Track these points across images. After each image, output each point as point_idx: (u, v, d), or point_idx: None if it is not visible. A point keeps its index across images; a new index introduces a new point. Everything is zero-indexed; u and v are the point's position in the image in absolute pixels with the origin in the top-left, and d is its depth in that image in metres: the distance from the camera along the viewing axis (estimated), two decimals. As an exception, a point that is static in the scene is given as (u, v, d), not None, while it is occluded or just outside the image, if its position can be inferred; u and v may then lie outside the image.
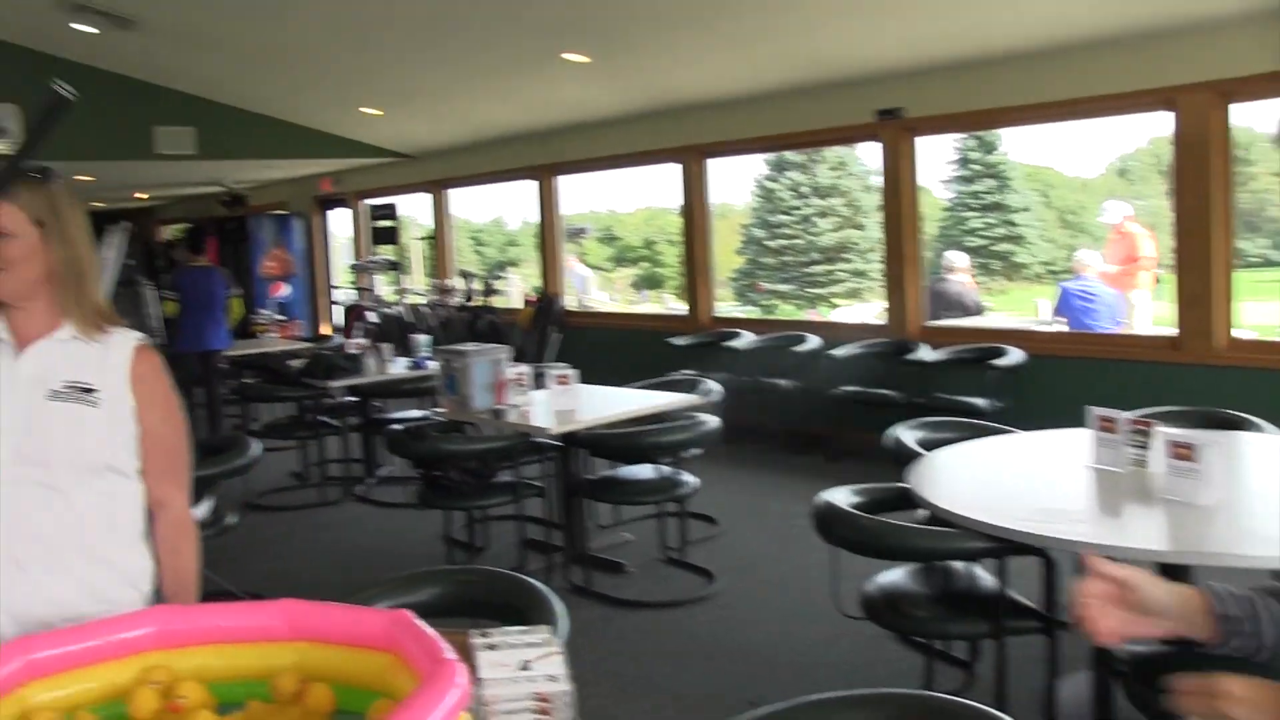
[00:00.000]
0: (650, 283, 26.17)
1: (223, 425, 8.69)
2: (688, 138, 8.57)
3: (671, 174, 8.95)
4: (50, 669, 1.65)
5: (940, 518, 2.99)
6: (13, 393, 2.00)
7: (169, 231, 17.76)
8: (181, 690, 1.66)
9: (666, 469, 5.11)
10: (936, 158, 24.32)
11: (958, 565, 3.29)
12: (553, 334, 9.18)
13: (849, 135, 8.13)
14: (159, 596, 2.13)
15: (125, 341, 2.11)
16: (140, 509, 2.16)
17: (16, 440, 1.98)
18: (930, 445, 3.80)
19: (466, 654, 1.66)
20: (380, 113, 9.70)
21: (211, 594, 4.56)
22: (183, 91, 9.61)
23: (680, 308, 9.92)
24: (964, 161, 23.52)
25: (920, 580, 3.27)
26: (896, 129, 7.20)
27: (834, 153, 23.16)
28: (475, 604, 2.47)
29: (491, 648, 1.78)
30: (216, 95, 9.71)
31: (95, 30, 7.76)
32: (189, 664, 1.72)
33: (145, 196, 16.73)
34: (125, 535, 2.12)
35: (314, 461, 7.21)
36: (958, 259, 8.37)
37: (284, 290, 13.75)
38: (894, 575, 3.30)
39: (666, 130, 8.70)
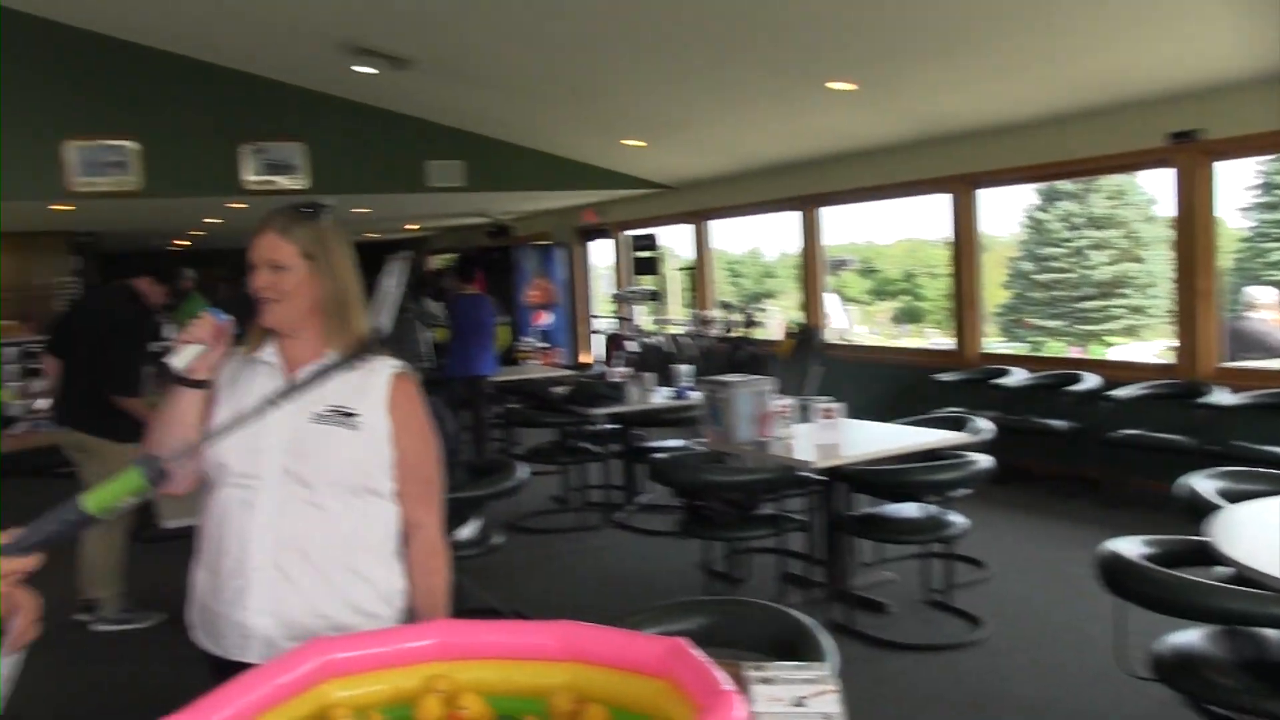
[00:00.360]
0: (910, 316, 25.55)
1: (488, 448, 9.00)
2: (957, 167, 8.31)
3: (937, 205, 8.70)
4: (344, 670, 1.72)
5: (1248, 578, 2.71)
6: (281, 414, 2.10)
7: (437, 261, 18.64)
8: (463, 701, 1.70)
9: (933, 508, 4.92)
10: (1230, 183, 22.38)
11: (1269, 633, 2.98)
12: (813, 366, 9.05)
13: (1134, 161, 7.60)
14: (411, 614, 2.19)
15: (384, 369, 2.20)
16: (395, 529, 2.23)
17: (284, 459, 2.10)
18: (1232, 497, 3.47)
19: (740, 686, 1.63)
20: (643, 144, 9.86)
21: (478, 610, 4.71)
22: (452, 126, 10.07)
23: (944, 342, 9.61)
24: (1267, 187, 21.63)
25: (1222, 645, 2.97)
26: (1193, 152, 6.70)
27: (1111, 181, 21.93)
28: (742, 636, 2.43)
29: (766, 681, 1.76)
30: (484, 129, 10.12)
31: (374, 71, 8.24)
32: (468, 676, 1.76)
33: (416, 227, 17.61)
34: (381, 553, 2.20)
35: (575, 487, 7.36)
36: (1262, 295, 7.71)
37: (546, 318, 14.13)
38: (1189, 637, 3.02)
39: (934, 159, 8.46)
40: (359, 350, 2.17)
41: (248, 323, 2.15)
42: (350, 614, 2.13)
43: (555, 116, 9.41)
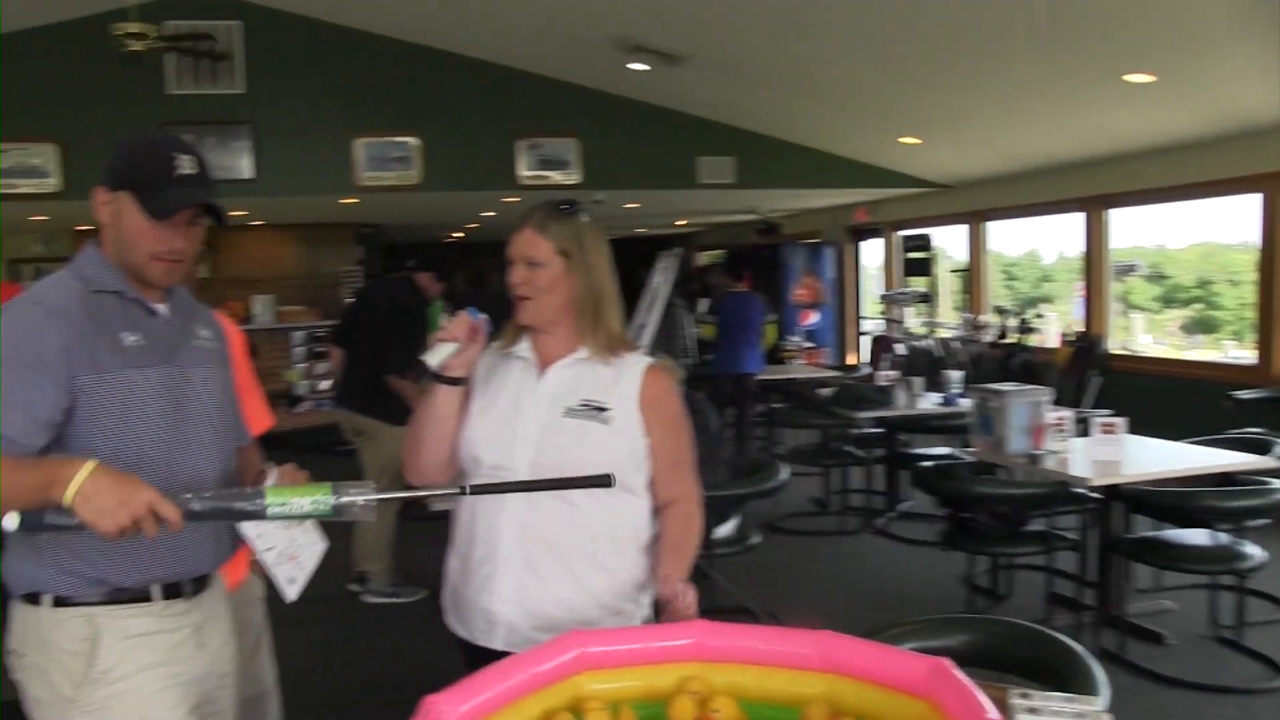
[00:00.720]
0: (1203, 327, 23.80)
1: (750, 447, 8.99)
2: (1270, 164, 7.62)
3: (1241, 205, 8.03)
4: (600, 663, 1.75)
5: None
6: (534, 409, 2.17)
7: (705, 257, 18.78)
8: (715, 704, 1.70)
9: (1224, 537, 4.55)
10: None
11: None
12: (1092, 378, 8.56)
13: None
14: (657, 611, 2.18)
15: (637, 363, 2.22)
16: (645, 524, 2.24)
17: (534, 453, 2.13)
18: None
19: (1004, 712, 1.57)
20: (918, 141, 9.59)
21: (731, 609, 4.69)
22: (723, 123, 10.07)
23: (1244, 356, 8.90)
24: None
25: None
26: None
27: None
28: (1004, 658, 2.33)
29: (1032, 711, 1.69)
30: (755, 126, 10.08)
31: (646, 67, 8.35)
32: (722, 679, 1.76)
33: (684, 223, 17.81)
34: (629, 548, 2.21)
35: (835, 490, 7.25)
36: None
37: (813, 318, 13.99)
38: None
39: (1241, 156, 7.78)
40: (612, 346, 2.20)
41: (503, 321, 2.19)
42: (595, 607, 2.15)
43: (828, 113, 9.28)
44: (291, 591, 2.02)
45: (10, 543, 1.95)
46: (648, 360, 2.23)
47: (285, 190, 9.29)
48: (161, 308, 2.05)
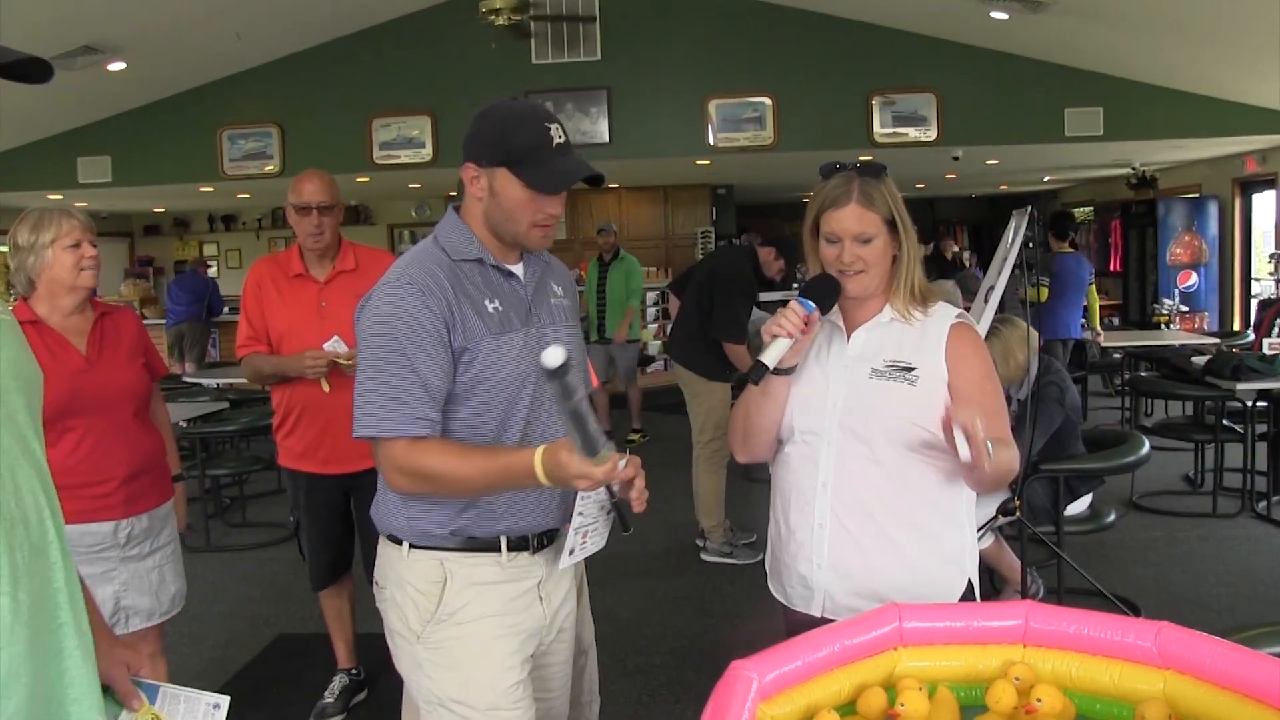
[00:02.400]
0: None
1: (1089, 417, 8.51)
2: None
3: None
4: (919, 639, 1.71)
5: None
6: (841, 372, 2.13)
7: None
8: (1039, 692, 1.62)
9: None
10: None
11: None
12: None
13: None
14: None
15: (943, 318, 2.14)
16: (962, 486, 2.13)
17: (842, 416, 2.10)
18: None
19: None
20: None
21: (1082, 593, 4.40)
22: (1090, 70, 9.39)
23: None
24: None
25: None
26: None
27: None
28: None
29: None
30: (1125, 72, 9.32)
31: (1007, 16, 7.92)
32: (1047, 666, 1.67)
33: (1049, 180, 16.90)
34: (945, 510, 2.14)
35: (1209, 468, 6.64)
36: None
37: (1191, 280, 12.97)
38: None
39: None
40: (919, 302, 2.15)
41: (828, 303, 2.12)
42: (913, 572, 2.10)
43: (1212, 52, 8.43)
44: (565, 560, 2.10)
45: (379, 490, 2.14)
46: (953, 315, 2.16)
47: (640, 152, 9.59)
48: (517, 269, 2.14)
